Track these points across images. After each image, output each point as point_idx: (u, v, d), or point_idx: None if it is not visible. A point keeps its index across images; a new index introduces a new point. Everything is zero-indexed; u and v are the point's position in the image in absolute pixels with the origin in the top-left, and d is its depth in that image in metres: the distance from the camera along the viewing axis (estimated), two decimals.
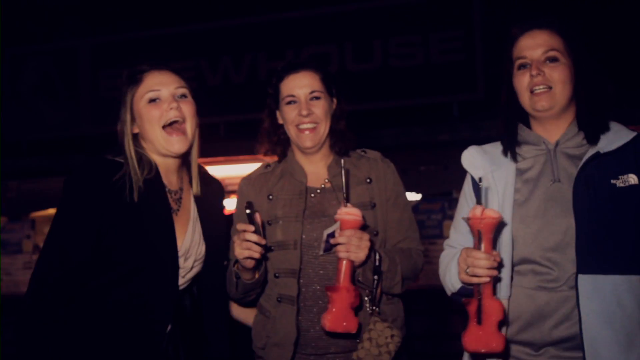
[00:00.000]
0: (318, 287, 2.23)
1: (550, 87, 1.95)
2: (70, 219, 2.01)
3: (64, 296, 1.96)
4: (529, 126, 2.05)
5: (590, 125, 1.96)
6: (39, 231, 8.00)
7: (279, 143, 2.40)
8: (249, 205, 2.10)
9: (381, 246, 2.30)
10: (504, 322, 1.86)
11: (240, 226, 2.10)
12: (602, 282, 1.84)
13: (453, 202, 6.52)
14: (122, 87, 2.15)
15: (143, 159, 2.09)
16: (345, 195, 2.13)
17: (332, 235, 2.15)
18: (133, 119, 2.12)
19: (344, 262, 2.07)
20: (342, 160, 2.18)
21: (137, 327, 2.02)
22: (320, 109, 2.29)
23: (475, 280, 1.82)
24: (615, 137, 1.94)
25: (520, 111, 2.04)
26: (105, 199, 1.98)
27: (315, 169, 2.36)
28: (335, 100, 2.37)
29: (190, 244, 2.15)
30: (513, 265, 1.95)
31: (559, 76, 1.95)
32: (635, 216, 1.87)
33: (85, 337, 1.98)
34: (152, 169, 2.10)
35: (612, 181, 1.89)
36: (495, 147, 2.10)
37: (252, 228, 2.07)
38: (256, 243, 2.06)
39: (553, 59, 1.96)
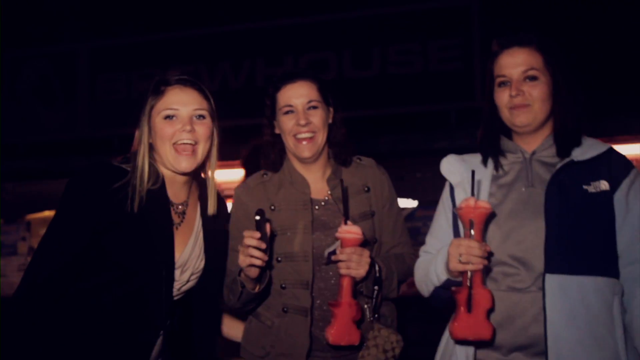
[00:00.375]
0: (330, 295, 2.24)
1: (529, 104, 1.99)
2: (63, 221, 2.01)
3: (53, 296, 1.96)
4: (509, 137, 2.09)
5: (564, 138, 2.01)
6: (35, 233, 7.96)
7: (277, 153, 2.39)
8: (260, 212, 2.06)
9: (377, 252, 2.33)
10: (491, 310, 1.89)
11: (247, 233, 2.07)
12: (569, 282, 1.87)
13: None
14: (146, 93, 2.13)
15: (151, 170, 2.07)
16: (344, 213, 2.15)
17: (333, 252, 2.18)
18: (150, 129, 2.11)
19: (346, 278, 2.11)
20: (342, 181, 2.22)
21: (127, 333, 2.02)
22: (318, 118, 2.30)
23: (469, 267, 1.84)
24: (589, 149, 1.99)
25: (501, 123, 2.08)
26: (102, 205, 1.98)
27: (315, 178, 2.36)
28: (332, 110, 2.38)
29: (188, 257, 2.15)
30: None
31: (538, 94, 1.99)
32: (605, 220, 1.91)
33: (72, 339, 1.98)
34: (159, 180, 2.09)
35: (584, 187, 1.94)
36: (474, 157, 2.14)
37: (258, 235, 2.03)
38: (257, 248, 2.03)
39: (532, 78, 2.00)
